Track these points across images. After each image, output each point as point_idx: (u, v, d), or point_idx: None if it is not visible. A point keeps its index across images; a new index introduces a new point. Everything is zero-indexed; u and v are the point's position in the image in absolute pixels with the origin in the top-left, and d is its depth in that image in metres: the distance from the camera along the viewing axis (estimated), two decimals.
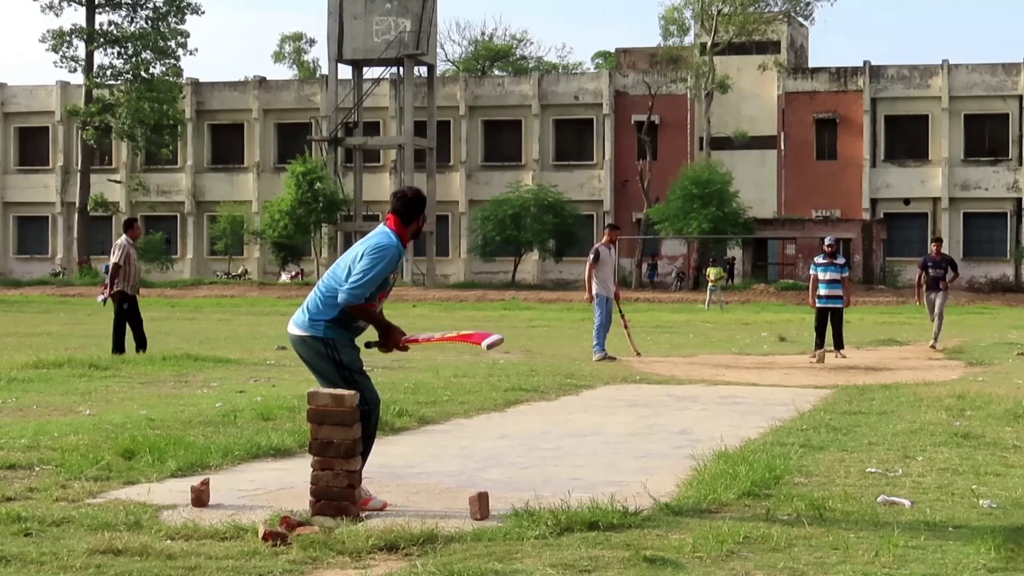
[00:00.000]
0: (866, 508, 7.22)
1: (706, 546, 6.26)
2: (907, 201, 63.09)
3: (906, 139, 63.33)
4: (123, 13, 64.99)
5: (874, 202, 62.96)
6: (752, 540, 6.44)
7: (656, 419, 11.88)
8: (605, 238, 20.28)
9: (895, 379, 16.42)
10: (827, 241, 21.73)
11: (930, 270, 23.59)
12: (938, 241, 24.72)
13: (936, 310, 23.41)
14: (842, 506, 7.24)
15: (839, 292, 20.79)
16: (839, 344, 20.80)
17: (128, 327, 18.56)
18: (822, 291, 20.79)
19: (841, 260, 20.99)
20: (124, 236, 18.72)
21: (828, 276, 20.78)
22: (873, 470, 8.62)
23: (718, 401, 13.65)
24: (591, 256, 19.81)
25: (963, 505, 7.46)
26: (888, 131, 63.46)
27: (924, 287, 23.81)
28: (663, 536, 6.53)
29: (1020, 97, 61.75)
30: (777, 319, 36.87)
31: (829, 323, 20.77)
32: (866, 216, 61.63)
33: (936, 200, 62.48)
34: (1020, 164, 61.97)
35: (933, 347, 23.07)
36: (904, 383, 15.52)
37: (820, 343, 20.54)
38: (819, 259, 21.07)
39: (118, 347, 18.42)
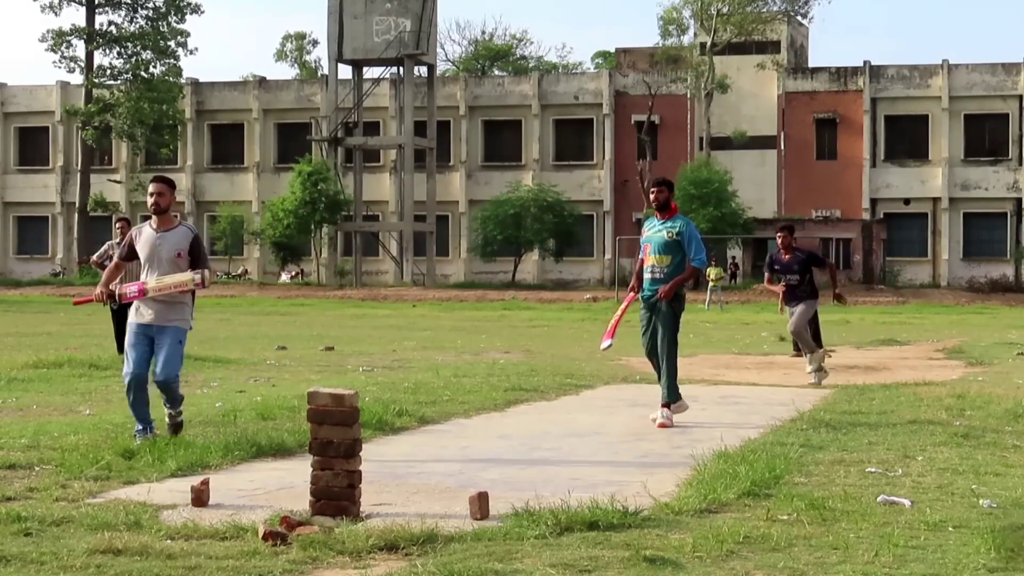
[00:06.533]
0: (866, 508, 7.22)
1: (706, 546, 6.26)
2: (907, 201, 63.10)
3: (906, 139, 63.33)
4: (123, 13, 65.02)
5: (874, 202, 62.97)
6: (752, 540, 6.44)
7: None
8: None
9: (895, 379, 16.41)
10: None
11: (777, 275, 16.46)
12: (785, 231, 16.45)
13: (798, 325, 16.31)
14: (842, 506, 7.24)
15: None
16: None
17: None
18: None
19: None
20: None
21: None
22: (873, 470, 8.62)
23: (718, 401, 13.65)
24: None
25: (963, 505, 7.46)
26: (888, 131, 63.46)
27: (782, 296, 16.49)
28: (663, 536, 6.53)
29: (1020, 97, 61.76)
30: (777, 319, 36.85)
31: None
32: (866, 216, 61.64)
33: (936, 200, 62.49)
34: (1020, 164, 61.98)
35: (817, 376, 15.89)
36: (904, 383, 15.51)
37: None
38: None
39: (119, 347, 18.36)
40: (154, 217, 9.81)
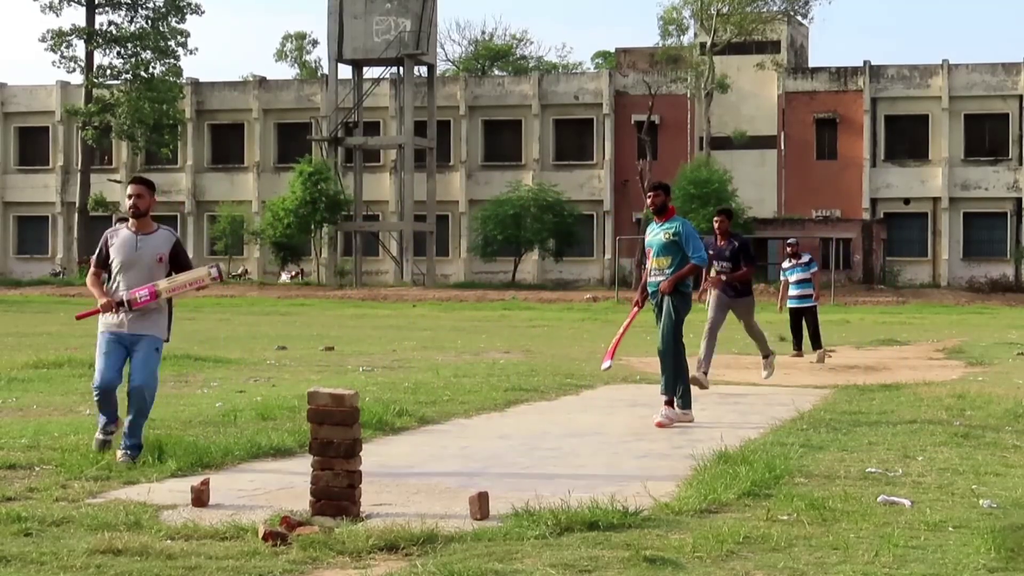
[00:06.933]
0: (866, 508, 7.22)
1: (706, 546, 6.26)
2: (907, 201, 63.07)
3: (906, 139, 63.30)
4: (123, 13, 64.97)
5: (874, 202, 62.94)
6: (752, 540, 6.44)
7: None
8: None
9: (895, 379, 16.42)
10: (788, 242, 22.00)
11: (715, 263, 14.90)
12: (723, 214, 15.13)
13: (749, 329, 15.33)
14: (842, 506, 7.24)
15: (809, 292, 21.06)
16: (817, 343, 20.68)
17: None
18: (793, 292, 20.98)
19: (806, 258, 21.23)
20: None
21: (796, 277, 21.09)
22: (873, 470, 8.63)
23: (718, 401, 13.66)
24: None
25: (963, 505, 7.46)
26: (888, 131, 63.44)
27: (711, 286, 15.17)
28: (663, 536, 6.53)
29: (1020, 97, 61.73)
30: (777, 319, 36.77)
31: (804, 323, 20.97)
32: (866, 216, 61.61)
33: (936, 200, 62.47)
34: (1020, 164, 61.94)
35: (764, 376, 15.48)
36: (904, 383, 15.51)
37: (798, 344, 20.85)
38: (785, 264, 21.34)
39: None
40: (132, 220, 9.06)
